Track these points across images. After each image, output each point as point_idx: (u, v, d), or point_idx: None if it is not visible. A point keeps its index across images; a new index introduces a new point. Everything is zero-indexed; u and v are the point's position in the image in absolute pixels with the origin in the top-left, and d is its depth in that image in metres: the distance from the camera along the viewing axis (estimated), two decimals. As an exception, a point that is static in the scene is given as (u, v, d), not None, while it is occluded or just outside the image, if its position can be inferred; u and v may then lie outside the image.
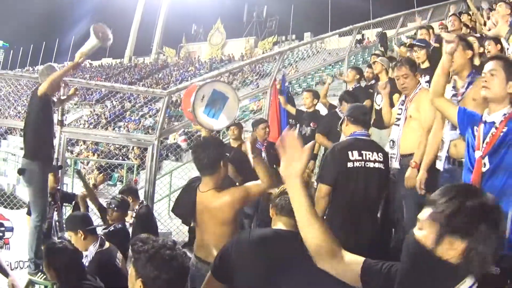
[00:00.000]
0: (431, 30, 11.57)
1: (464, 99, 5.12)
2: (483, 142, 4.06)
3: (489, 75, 4.11)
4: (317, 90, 11.67)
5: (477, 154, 4.06)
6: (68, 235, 6.29)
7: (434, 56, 8.53)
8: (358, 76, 10.83)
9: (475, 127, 4.26)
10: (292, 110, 11.01)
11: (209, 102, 5.13)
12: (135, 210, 7.81)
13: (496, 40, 7.87)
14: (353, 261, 2.71)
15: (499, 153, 3.98)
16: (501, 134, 3.97)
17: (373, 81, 11.11)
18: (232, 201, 4.71)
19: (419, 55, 8.63)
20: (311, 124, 10.13)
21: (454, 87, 5.36)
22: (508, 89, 4.07)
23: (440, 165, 5.32)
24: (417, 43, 8.98)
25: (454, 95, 5.23)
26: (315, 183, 5.89)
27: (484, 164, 4.00)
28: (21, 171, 7.45)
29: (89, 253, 5.70)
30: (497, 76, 4.07)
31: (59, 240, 5.28)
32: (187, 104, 5.77)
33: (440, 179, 5.37)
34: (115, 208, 7.25)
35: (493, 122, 4.06)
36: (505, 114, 4.01)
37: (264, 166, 4.80)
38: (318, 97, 10.50)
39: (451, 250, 2.05)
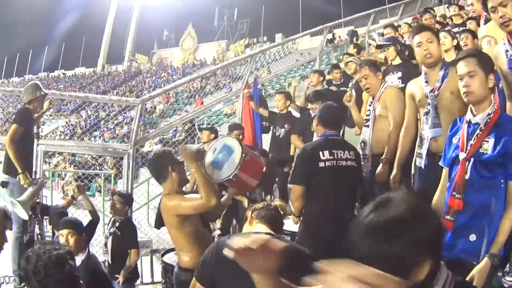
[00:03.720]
0: (399, 28, 11.74)
1: (441, 93, 5.07)
2: (466, 143, 3.96)
3: (468, 78, 3.95)
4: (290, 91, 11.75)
5: (461, 155, 3.96)
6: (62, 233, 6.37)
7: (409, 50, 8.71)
8: (322, 78, 10.91)
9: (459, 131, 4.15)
10: (265, 113, 11.02)
11: (217, 154, 5.33)
12: (119, 220, 7.85)
13: (472, 32, 7.98)
14: None
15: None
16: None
17: (341, 81, 11.25)
18: (173, 207, 4.97)
19: (389, 53, 8.75)
20: (285, 126, 10.15)
21: (427, 82, 5.27)
22: (489, 84, 3.97)
23: (421, 162, 5.25)
24: (384, 43, 9.10)
25: (431, 91, 5.13)
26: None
27: (468, 161, 3.91)
28: (3, 184, 7.54)
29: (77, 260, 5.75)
30: (476, 76, 3.93)
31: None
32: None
33: (418, 175, 5.43)
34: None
35: (478, 124, 3.94)
36: (489, 114, 3.91)
37: (203, 180, 4.87)
38: (291, 98, 10.50)
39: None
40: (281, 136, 10.17)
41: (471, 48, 4.57)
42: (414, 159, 5.71)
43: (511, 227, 3.74)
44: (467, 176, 3.91)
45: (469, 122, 4.04)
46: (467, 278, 3.71)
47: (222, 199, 5.64)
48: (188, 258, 5.09)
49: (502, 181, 3.81)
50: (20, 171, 7.48)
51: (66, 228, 5.95)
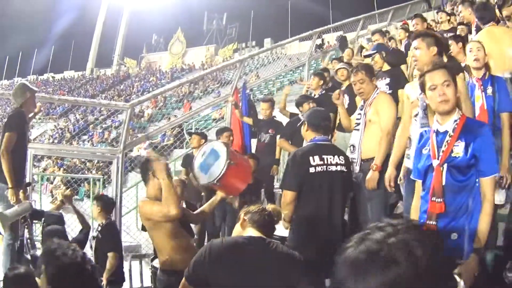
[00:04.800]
0: (387, 34, 11.80)
1: (425, 101, 4.95)
2: (438, 151, 4.11)
3: (445, 87, 4.06)
4: (279, 95, 11.82)
5: (435, 162, 4.10)
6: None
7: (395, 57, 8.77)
8: (321, 82, 10.82)
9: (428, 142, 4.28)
10: (249, 121, 11.11)
11: (205, 158, 5.43)
12: (100, 224, 7.88)
13: (458, 38, 8.04)
14: None
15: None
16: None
17: (329, 84, 11.26)
18: (144, 212, 5.27)
19: (376, 60, 8.83)
20: (269, 131, 10.35)
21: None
22: (457, 94, 4.15)
23: (409, 163, 5.38)
24: (370, 52, 9.19)
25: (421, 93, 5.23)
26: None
27: (442, 169, 4.06)
28: None
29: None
30: (450, 85, 4.07)
31: (16, 271, 5.30)
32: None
33: (406, 176, 5.50)
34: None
35: (446, 131, 4.10)
36: (456, 121, 4.08)
37: (167, 191, 5.01)
38: (274, 105, 10.73)
39: None
40: (266, 141, 10.39)
41: (440, 61, 4.62)
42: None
43: (489, 221, 3.96)
44: (443, 182, 4.06)
45: (436, 132, 4.21)
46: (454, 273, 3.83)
47: (209, 201, 5.73)
48: (165, 259, 5.23)
49: (477, 180, 4.02)
50: (10, 185, 7.37)
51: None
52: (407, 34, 12.23)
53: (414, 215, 4.38)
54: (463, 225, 4.01)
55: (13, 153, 7.48)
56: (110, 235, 7.68)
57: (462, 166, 4.01)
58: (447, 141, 4.07)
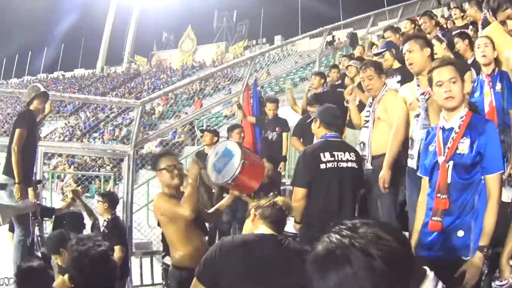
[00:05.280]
0: (399, 31, 11.73)
1: (433, 97, 4.80)
2: (444, 148, 4.11)
3: (451, 84, 4.08)
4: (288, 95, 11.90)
5: (441, 159, 4.10)
6: (54, 258, 6.44)
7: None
8: (323, 81, 10.93)
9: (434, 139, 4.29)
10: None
11: (219, 158, 5.41)
12: (106, 219, 7.95)
13: (464, 35, 8.01)
14: None
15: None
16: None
17: (339, 81, 11.26)
18: (158, 207, 5.22)
19: (387, 58, 8.80)
20: (276, 129, 10.47)
21: (418, 85, 5.35)
22: (464, 90, 4.18)
23: (412, 163, 5.30)
24: (379, 50, 9.17)
25: (422, 93, 5.17)
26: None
27: (448, 166, 4.05)
28: (2, 186, 7.53)
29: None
30: (457, 82, 4.08)
31: (30, 263, 5.34)
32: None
33: (409, 176, 5.46)
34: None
35: (452, 128, 4.11)
36: (462, 117, 4.08)
37: (190, 192, 5.01)
38: (279, 103, 10.94)
39: None
40: (273, 139, 10.49)
41: (447, 57, 4.61)
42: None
43: (495, 219, 3.91)
44: (449, 180, 4.06)
45: (443, 128, 4.21)
46: (457, 273, 3.88)
47: (222, 201, 5.69)
48: (178, 256, 5.19)
49: (482, 177, 4.01)
50: (17, 181, 7.44)
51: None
52: (413, 25, 12.23)
53: (420, 211, 4.38)
54: (469, 223, 4.02)
55: (24, 153, 7.55)
56: (117, 230, 7.80)
57: (467, 163, 4.00)
58: (452, 138, 4.08)
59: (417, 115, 5.27)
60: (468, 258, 3.94)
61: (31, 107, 7.89)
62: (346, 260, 1.60)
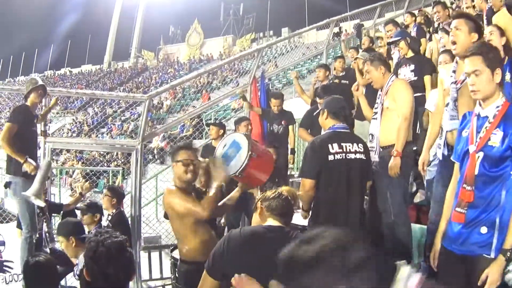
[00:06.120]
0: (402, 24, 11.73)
1: (463, 88, 4.88)
2: (476, 136, 3.95)
3: (474, 76, 3.93)
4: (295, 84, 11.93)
5: (471, 148, 3.94)
6: (59, 240, 6.41)
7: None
8: (328, 73, 11.04)
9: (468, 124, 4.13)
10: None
11: (227, 150, 5.41)
12: (111, 214, 7.99)
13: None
14: None
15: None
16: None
17: (343, 72, 11.26)
18: (168, 202, 5.20)
19: (402, 47, 8.78)
20: (282, 122, 10.53)
21: (454, 71, 5.22)
22: (496, 80, 3.94)
23: (440, 153, 5.30)
24: (394, 39, 9.11)
25: (453, 82, 5.07)
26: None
27: (478, 157, 3.88)
28: (7, 185, 7.56)
29: (79, 261, 5.76)
30: (482, 74, 3.91)
31: (37, 259, 5.35)
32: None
33: (438, 165, 5.53)
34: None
35: (487, 117, 3.93)
36: (498, 107, 3.91)
37: (214, 195, 5.03)
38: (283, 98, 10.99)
39: None
40: (280, 132, 10.57)
41: (476, 45, 4.34)
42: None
43: None
44: (476, 172, 3.89)
45: (478, 115, 4.03)
46: (482, 276, 3.73)
47: (230, 194, 5.65)
48: (186, 249, 5.19)
49: (511, 173, 3.80)
50: (22, 160, 7.49)
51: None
52: (413, 18, 12.17)
53: (450, 198, 4.28)
54: (493, 219, 3.83)
55: (16, 143, 7.59)
56: (122, 223, 7.87)
57: (496, 156, 3.81)
58: (486, 127, 3.91)
59: (447, 105, 5.24)
60: (490, 256, 3.79)
61: (28, 102, 7.94)
62: (313, 265, 1.86)
